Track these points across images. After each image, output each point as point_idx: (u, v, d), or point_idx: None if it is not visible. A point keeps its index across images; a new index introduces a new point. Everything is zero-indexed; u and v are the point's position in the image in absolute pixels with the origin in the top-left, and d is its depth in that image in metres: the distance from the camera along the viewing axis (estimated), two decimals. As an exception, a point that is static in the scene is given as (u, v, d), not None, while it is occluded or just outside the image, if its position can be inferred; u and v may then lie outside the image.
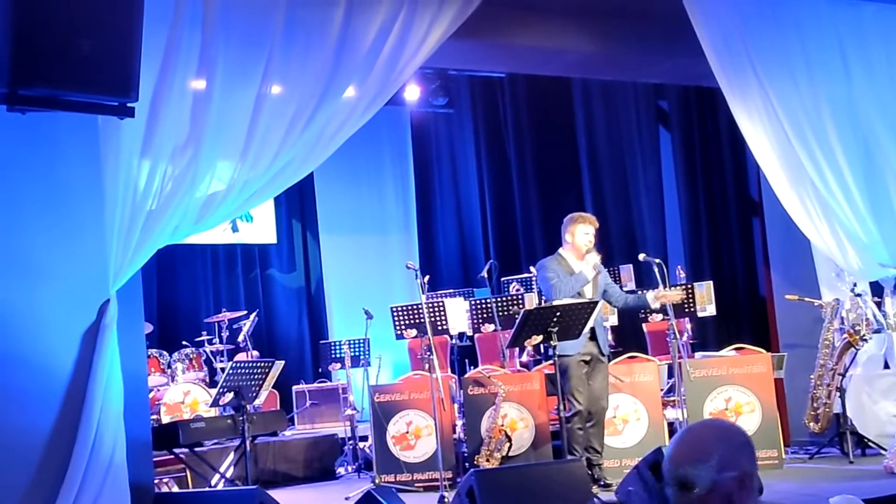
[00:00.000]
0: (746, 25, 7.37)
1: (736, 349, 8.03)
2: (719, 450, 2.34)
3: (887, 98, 7.79)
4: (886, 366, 7.67)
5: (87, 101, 4.78)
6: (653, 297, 6.88)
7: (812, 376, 7.45)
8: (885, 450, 6.89)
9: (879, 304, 7.69)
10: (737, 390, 7.34)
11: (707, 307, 8.60)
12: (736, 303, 10.49)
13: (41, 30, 4.42)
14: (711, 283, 8.89)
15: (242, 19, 5.69)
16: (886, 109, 7.78)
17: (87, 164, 5.23)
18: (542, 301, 7.06)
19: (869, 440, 7.31)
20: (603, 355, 6.82)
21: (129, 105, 4.85)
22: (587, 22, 7.92)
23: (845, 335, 7.25)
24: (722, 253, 10.91)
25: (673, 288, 6.95)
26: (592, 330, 6.67)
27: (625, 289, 9.33)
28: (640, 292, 6.94)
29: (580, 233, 6.78)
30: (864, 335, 7.24)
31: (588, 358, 6.72)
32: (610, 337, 7.05)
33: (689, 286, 8.45)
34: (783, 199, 7.64)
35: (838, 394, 7.32)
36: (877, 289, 7.79)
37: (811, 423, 7.44)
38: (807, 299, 7.74)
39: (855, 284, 7.57)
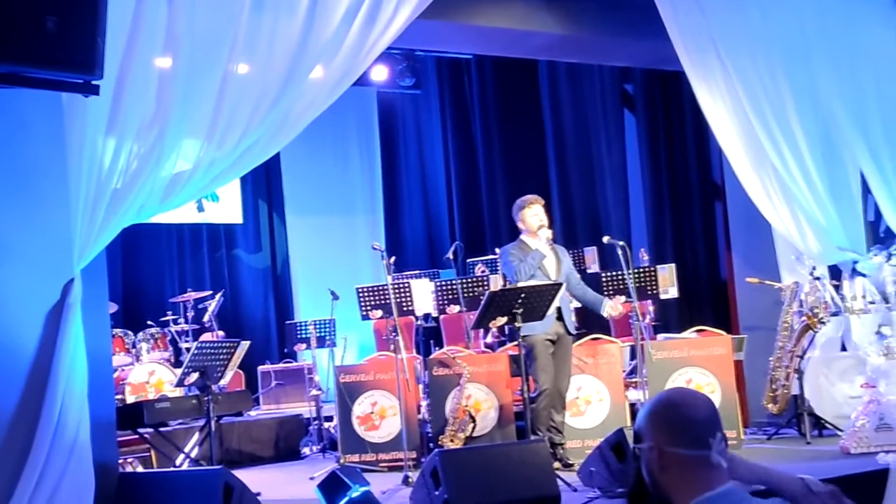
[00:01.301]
0: (710, 8, 7.43)
1: (697, 331, 8.12)
2: (643, 418, 2.34)
3: (847, 83, 7.90)
4: (844, 348, 7.80)
5: (51, 79, 4.72)
6: (607, 306, 6.95)
7: (771, 358, 7.56)
8: (841, 430, 7.00)
9: (837, 288, 7.82)
10: (697, 372, 7.43)
11: (669, 289, 8.70)
12: (698, 285, 10.61)
13: (5, 6, 4.35)
14: (674, 265, 8.99)
15: (209, -4, 5.64)
16: (847, 94, 7.88)
17: (51, 142, 5.17)
18: (507, 284, 7.12)
19: (826, 421, 7.42)
20: (570, 334, 6.90)
21: (93, 83, 4.78)
22: (554, 4, 7.95)
23: (804, 318, 7.36)
24: (684, 236, 11.03)
25: (622, 302, 7.13)
26: (559, 310, 6.76)
27: (589, 270, 9.45)
28: (605, 299, 7.01)
29: (529, 216, 6.92)
30: (822, 318, 7.35)
31: (554, 338, 6.80)
32: (574, 318, 7.11)
33: (652, 268, 8.54)
34: (745, 182, 7.73)
35: (796, 376, 7.43)
36: (835, 272, 7.92)
37: (770, 405, 7.55)
38: (767, 282, 7.85)
39: (814, 268, 7.69)
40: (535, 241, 6.91)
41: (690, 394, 2.40)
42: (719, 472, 2.26)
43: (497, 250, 9.62)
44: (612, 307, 6.94)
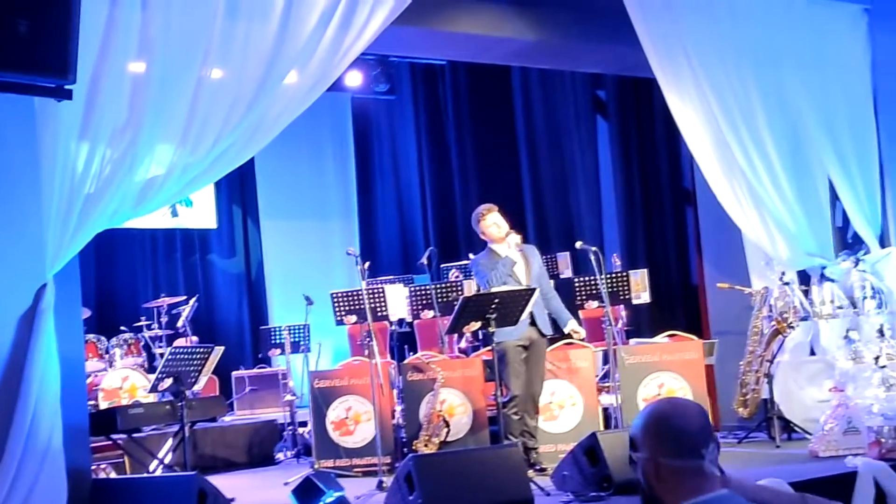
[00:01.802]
0: (681, 16, 7.49)
1: (669, 336, 8.19)
2: (638, 429, 2.42)
3: (816, 90, 8.00)
4: (812, 353, 7.86)
5: (23, 83, 4.72)
6: (571, 327, 7.00)
7: (741, 363, 7.60)
8: (810, 434, 7.06)
9: (806, 293, 7.91)
10: (669, 376, 7.49)
11: (641, 295, 8.76)
12: (669, 290, 10.69)
13: (-24, 10, 4.35)
14: (646, 271, 9.05)
15: (183, 0, 5.64)
16: (815, 101, 7.98)
17: (23, 147, 5.16)
18: (481, 290, 7.15)
19: (795, 425, 7.49)
20: (544, 336, 6.91)
21: (66, 87, 4.80)
22: (527, 11, 8.00)
23: (773, 323, 7.41)
24: (656, 242, 11.11)
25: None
26: (532, 314, 6.78)
27: (562, 276, 9.50)
28: (571, 320, 7.08)
29: (488, 226, 6.94)
30: (791, 323, 7.42)
31: (527, 343, 6.80)
32: (548, 319, 7.14)
33: (625, 274, 8.60)
34: (715, 188, 7.79)
35: (766, 380, 7.46)
36: (804, 277, 8.01)
37: (740, 409, 7.60)
38: (737, 287, 7.91)
39: (783, 273, 7.76)
40: (503, 248, 6.91)
41: (682, 404, 2.49)
42: (712, 481, 2.34)
43: (471, 256, 9.67)
44: (575, 332, 7.01)
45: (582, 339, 7.18)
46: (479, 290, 7.29)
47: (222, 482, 5.95)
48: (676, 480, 2.33)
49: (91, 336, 8.80)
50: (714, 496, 2.30)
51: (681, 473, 2.33)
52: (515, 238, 6.92)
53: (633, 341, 8.65)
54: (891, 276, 7.86)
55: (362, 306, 7.20)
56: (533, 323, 6.82)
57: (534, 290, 6.63)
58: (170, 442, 7.12)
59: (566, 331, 7.04)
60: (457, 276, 9.35)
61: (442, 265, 10.22)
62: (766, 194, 7.68)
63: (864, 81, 8.29)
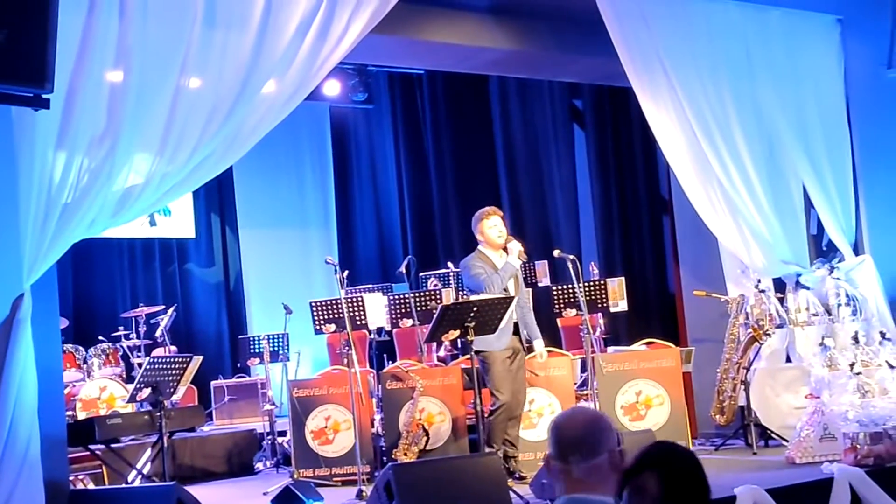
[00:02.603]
0: (657, 26, 7.53)
1: (646, 344, 8.24)
2: None
3: (790, 99, 8.08)
4: (788, 360, 7.90)
5: (0, 92, 4.70)
6: (536, 346, 7.03)
7: (718, 370, 7.64)
8: (786, 441, 7.11)
9: (782, 300, 7.97)
10: (647, 384, 7.54)
11: (619, 303, 8.78)
12: (646, 298, 10.74)
13: (-47, 19, 4.34)
14: (623, 279, 9.09)
15: (160, 9, 5.63)
16: (789, 110, 8.06)
17: (0, 156, 5.14)
18: (461, 297, 7.16)
19: (772, 432, 7.53)
20: (523, 348, 6.94)
21: (43, 96, 4.78)
22: (504, 20, 8.05)
23: (750, 330, 7.45)
24: (633, 250, 11.17)
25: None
26: (516, 324, 6.80)
27: (539, 284, 9.53)
28: (539, 340, 7.12)
29: (488, 227, 6.89)
30: (767, 330, 7.46)
31: (510, 353, 6.81)
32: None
33: (602, 282, 8.65)
34: (691, 197, 7.83)
35: (743, 387, 7.50)
36: (779, 285, 8.07)
37: (717, 416, 7.63)
38: (714, 295, 7.97)
39: (759, 281, 7.81)
40: (494, 253, 6.88)
41: (577, 413, 2.88)
42: (585, 484, 2.65)
43: (450, 264, 9.71)
44: (540, 355, 7.07)
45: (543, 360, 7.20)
46: (458, 296, 7.29)
47: (201, 492, 5.94)
48: (555, 477, 2.67)
49: (69, 346, 8.76)
50: (573, 498, 2.64)
51: (558, 471, 2.68)
52: (518, 246, 6.87)
53: (610, 349, 8.70)
54: (865, 284, 7.93)
55: (341, 315, 7.20)
56: (516, 332, 6.83)
57: (512, 298, 6.65)
58: (148, 452, 7.10)
59: (535, 349, 7.05)
60: (435, 285, 9.36)
61: (421, 274, 10.23)
62: (741, 203, 7.74)
63: (838, 90, 8.37)
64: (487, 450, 6.47)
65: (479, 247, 6.97)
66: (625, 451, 2.66)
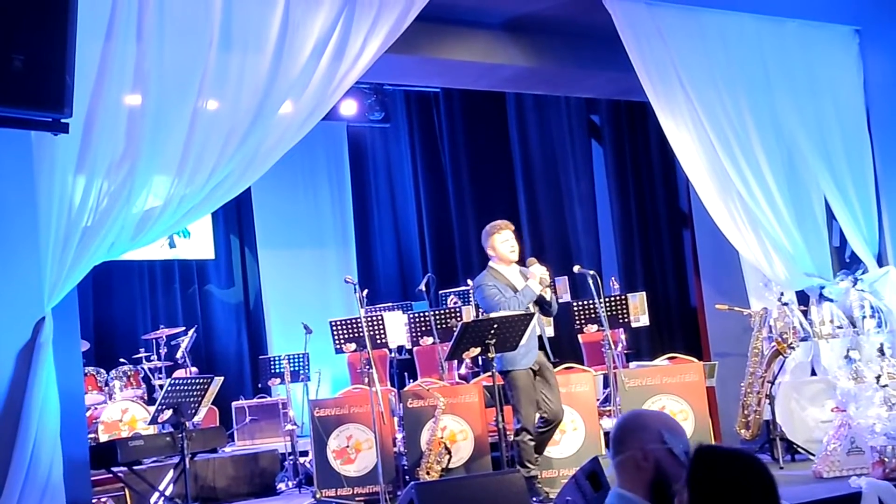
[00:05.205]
0: (673, 40, 7.53)
1: (669, 358, 8.18)
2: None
3: (809, 111, 8.04)
4: (813, 373, 7.84)
5: (19, 117, 4.72)
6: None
7: (742, 384, 7.59)
8: (813, 455, 7.04)
9: (805, 313, 7.90)
10: (670, 399, 7.48)
11: (640, 318, 8.76)
12: (668, 313, 10.69)
13: (-29, 46, 4.37)
14: (644, 293, 9.05)
15: (177, 34, 5.68)
16: (807, 121, 8.02)
17: (20, 181, 5.18)
18: (481, 314, 7.11)
19: (798, 446, 7.46)
20: (550, 361, 6.82)
21: (63, 121, 4.80)
22: (520, 37, 8.05)
23: (773, 343, 7.41)
24: (654, 264, 11.11)
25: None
26: (540, 338, 6.69)
27: (560, 300, 9.47)
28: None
29: (499, 242, 6.77)
30: (791, 343, 7.41)
31: (537, 367, 6.68)
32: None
33: (623, 297, 8.60)
34: (711, 211, 7.80)
35: (768, 401, 7.45)
36: (803, 298, 8.01)
37: (742, 430, 7.58)
38: (736, 309, 7.91)
39: (782, 294, 7.76)
40: (507, 268, 6.78)
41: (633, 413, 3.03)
42: (620, 480, 2.80)
43: (469, 282, 9.68)
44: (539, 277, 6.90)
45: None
46: (478, 313, 7.21)
47: (223, 514, 5.93)
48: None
49: (90, 369, 8.78)
50: (615, 491, 2.79)
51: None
52: (541, 270, 6.63)
53: (633, 364, 8.64)
54: (889, 295, 7.86)
55: (361, 334, 7.19)
56: (542, 347, 6.75)
57: (532, 314, 6.56)
58: (170, 474, 7.09)
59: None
60: (455, 302, 9.35)
61: (440, 291, 10.22)
62: (762, 215, 7.70)
63: (858, 101, 8.33)
64: (522, 470, 6.35)
65: (491, 263, 6.82)
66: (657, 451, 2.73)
